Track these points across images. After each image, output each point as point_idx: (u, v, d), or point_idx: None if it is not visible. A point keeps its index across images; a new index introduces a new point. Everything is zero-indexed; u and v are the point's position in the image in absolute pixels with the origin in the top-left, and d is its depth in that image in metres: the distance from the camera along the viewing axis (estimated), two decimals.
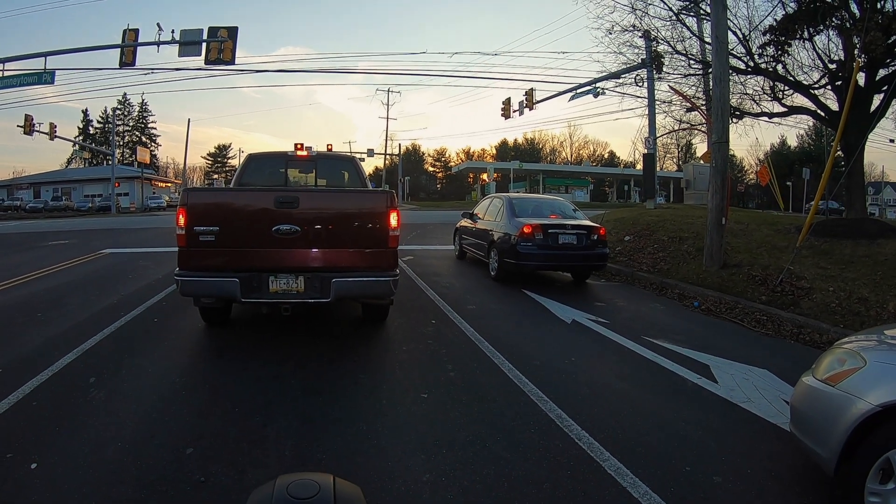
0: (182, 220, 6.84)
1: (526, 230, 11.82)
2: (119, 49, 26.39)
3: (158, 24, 25.70)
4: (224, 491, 3.92)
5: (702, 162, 29.94)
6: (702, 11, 17.34)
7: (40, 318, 9.11)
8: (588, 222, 12.88)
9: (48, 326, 8.49)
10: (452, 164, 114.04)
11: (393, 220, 6.97)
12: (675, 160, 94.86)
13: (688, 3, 17.28)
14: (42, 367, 6.47)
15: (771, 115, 18.36)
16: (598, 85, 29.64)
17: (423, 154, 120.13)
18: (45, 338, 7.85)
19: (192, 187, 8.93)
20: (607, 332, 8.19)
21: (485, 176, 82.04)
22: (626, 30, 19.70)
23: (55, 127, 48.58)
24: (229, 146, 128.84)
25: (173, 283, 11.06)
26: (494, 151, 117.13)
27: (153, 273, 13.81)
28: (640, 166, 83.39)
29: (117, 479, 4.05)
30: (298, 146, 9.81)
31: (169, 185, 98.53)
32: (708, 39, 16.43)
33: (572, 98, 31.88)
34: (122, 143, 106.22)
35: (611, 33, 19.96)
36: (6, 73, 27.37)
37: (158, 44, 25.62)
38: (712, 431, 5.03)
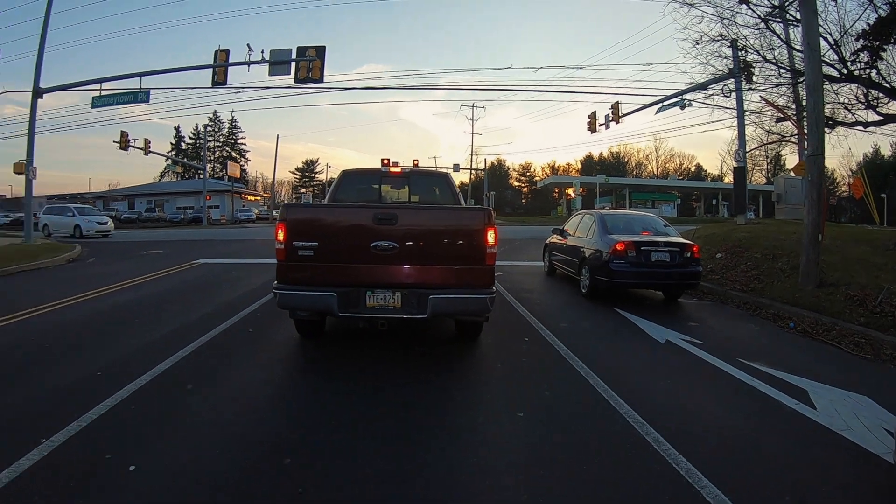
0: (282, 235, 6.97)
1: (619, 247, 11.66)
2: (211, 69, 27.10)
3: (248, 45, 26.29)
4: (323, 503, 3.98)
5: (793, 175, 28.95)
6: (789, 17, 16.78)
7: (137, 324, 9.45)
8: (681, 239, 12.64)
9: (145, 333, 8.79)
10: (537, 178, 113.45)
11: (490, 237, 6.94)
12: (764, 173, 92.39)
13: (775, 8, 16.78)
14: (140, 373, 6.69)
15: (866, 125, 17.59)
16: (684, 97, 29.01)
17: (508, 169, 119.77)
18: (143, 343, 8.13)
19: (291, 203, 9.00)
20: (701, 353, 7.98)
21: (570, 190, 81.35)
22: (714, 39, 19.16)
23: (149, 143, 50.20)
24: (316, 161, 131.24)
25: (266, 294, 11.40)
26: (580, 165, 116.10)
27: (246, 284, 14.15)
28: (728, 179, 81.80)
29: (215, 486, 4.14)
30: (385, 161, 9.91)
31: (258, 198, 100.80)
32: (797, 46, 15.91)
33: (659, 111, 31.21)
34: (212, 158, 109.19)
35: (698, 44, 19.47)
36: (104, 93, 28.34)
37: (249, 63, 26.15)
38: (812, 460, 4.83)
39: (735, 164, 29.44)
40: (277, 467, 4.41)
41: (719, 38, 19.05)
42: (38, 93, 27.86)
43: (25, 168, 27.87)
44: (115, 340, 8.36)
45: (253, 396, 6.09)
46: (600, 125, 35.64)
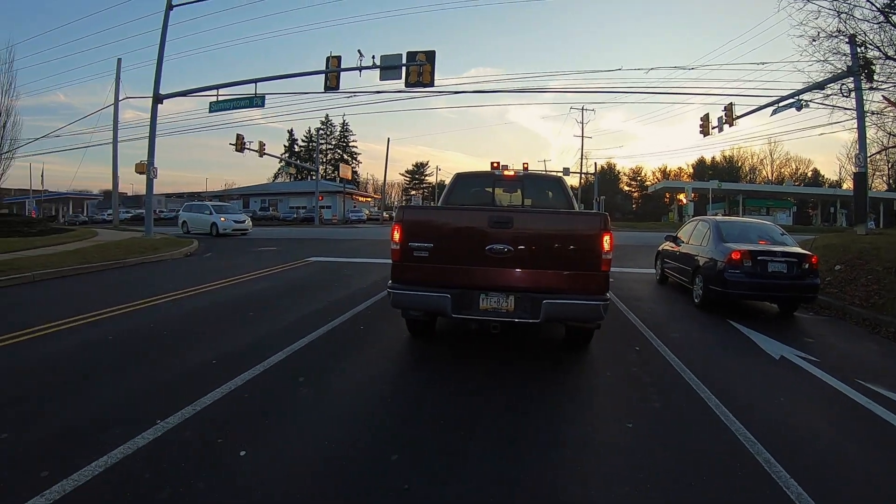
0: (397, 236, 7.04)
1: (734, 256, 11.30)
2: (323, 74, 27.70)
3: (359, 51, 26.65)
4: (428, 501, 3.97)
5: None
6: None
7: (252, 317, 9.78)
8: (799, 249, 12.11)
9: (259, 325, 9.09)
10: (648, 183, 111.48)
11: (606, 242, 6.83)
12: (885, 179, 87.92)
13: (893, 1, 15.92)
14: (253, 363, 6.91)
15: None
16: (801, 97, 27.77)
17: (619, 173, 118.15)
18: (256, 336, 8.41)
19: (408, 205, 9.14)
20: (818, 372, 7.58)
21: (682, 196, 79.46)
22: (832, 35, 18.22)
23: (264, 145, 51.94)
24: (426, 164, 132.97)
25: (376, 292, 11.56)
26: (691, 170, 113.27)
27: (357, 282, 14.37)
28: (846, 185, 78.42)
29: (322, 476, 4.22)
30: (495, 164, 9.91)
31: (368, 199, 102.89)
32: None
33: (774, 112, 29.89)
34: (325, 160, 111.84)
35: (814, 41, 18.55)
36: (220, 98, 29.38)
37: (360, 69, 26.54)
38: None
39: (855, 170, 28.02)
40: (384, 463, 4.44)
41: (836, 33, 18.09)
42: (158, 99, 29.44)
43: (147, 168, 29.48)
44: (229, 332, 8.68)
45: (362, 392, 6.18)
46: (713, 128, 34.50)
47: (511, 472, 4.38)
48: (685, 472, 4.52)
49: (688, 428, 5.49)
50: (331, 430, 5.06)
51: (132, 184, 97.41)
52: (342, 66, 27.32)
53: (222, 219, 35.27)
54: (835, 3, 16.76)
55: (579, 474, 4.44)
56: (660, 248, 16.59)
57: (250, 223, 38.64)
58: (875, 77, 19.91)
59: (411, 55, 25.97)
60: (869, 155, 26.71)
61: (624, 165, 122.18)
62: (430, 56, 26.04)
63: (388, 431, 5.13)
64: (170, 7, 29.42)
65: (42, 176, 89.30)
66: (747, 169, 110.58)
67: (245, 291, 12.75)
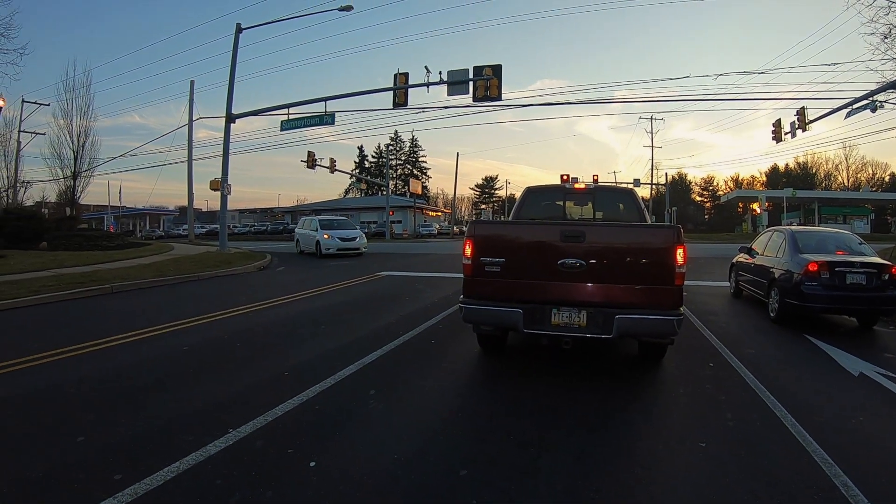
0: (469, 251, 7.04)
1: (811, 268, 10.91)
2: (391, 91, 28.00)
3: (426, 67, 26.88)
4: None
5: None
6: None
7: (324, 330, 9.89)
8: (878, 259, 11.58)
9: (331, 339, 9.18)
10: (720, 192, 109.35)
11: (680, 256, 6.68)
12: None
13: None
14: (325, 375, 6.99)
15: None
16: (875, 98, 26.75)
17: (690, 183, 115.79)
18: (328, 349, 8.50)
19: (479, 220, 9.15)
20: None
21: (755, 205, 77.69)
22: None
23: (334, 161, 52.98)
24: (495, 178, 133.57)
25: (448, 307, 11.54)
26: (765, 178, 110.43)
27: (428, 296, 14.38)
28: None
29: (390, 489, 4.20)
30: (565, 178, 9.89)
31: (438, 213, 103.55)
32: None
33: (848, 115, 28.80)
34: (394, 176, 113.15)
35: (886, 38, 17.81)
36: (292, 116, 29.98)
37: (428, 85, 26.73)
38: None
39: None
40: (453, 478, 4.42)
41: None
42: (230, 118, 30.25)
43: (220, 185, 30.25)
44: (301, 345, 8.80)
45: (433, 406, 6.18)
46: (786, 133, 33.37)
47: (582, 490, 4.31)
48: (759, 493, 4.36)
49: (763, 448, 5.30)
50: (400, 444, 5.06)
51: (206, 200, 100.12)
52: (410, 83, 27.64)
53: (325, 235, 29.48)
54: None
55: (651, 493, 4.34)
56: (734, 261, 16.18)
57: (364, 240, 31.64)
58: None
59: (478, 70, 26.09)
60: None
61: (695, 175, 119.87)
62: (497, 70, 26.11)
63: (458, 446, 5.11)
64: (239, 30, 30.26)
65: (120, 192, 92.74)
66: (822, 175, 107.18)
67: (316, 305, 12.91)
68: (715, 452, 5.15)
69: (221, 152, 30.65)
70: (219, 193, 30.86)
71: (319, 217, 34.91)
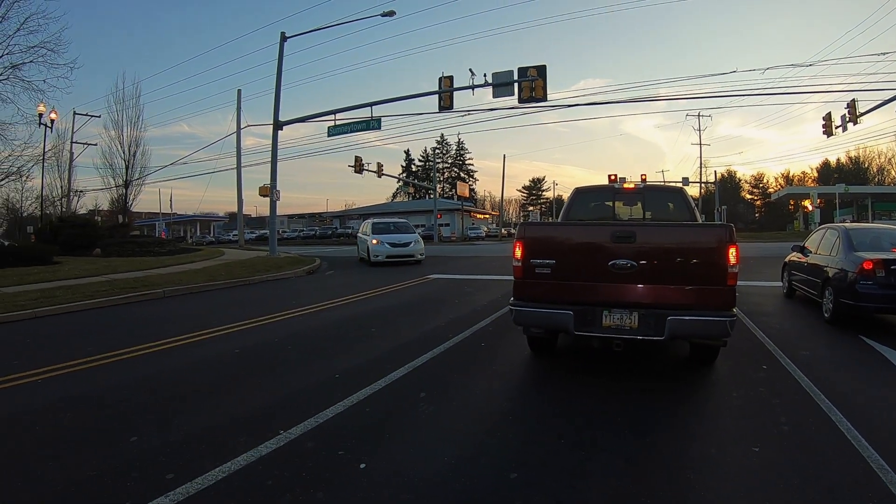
0: (519, 253, 7.02)
1: (866, 266, 10.57)
2: (437, 95, 28.09)
3: (471, 70, 26.89)
4: None
5: None
6: None
7: (374, 333, 9.97)
8: None
9: (381, 341, 9.24)
10: (771, 190, 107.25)
11: (732, 255, 6.57)
12: None
13: None
14: (375, 378, 7.00)
15: None
16: None
17: (739, 181, 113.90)
18: (379, 352, 8.54)
19: (529, 221, 9.15)
20: None
21: (807, 202, 76.19)
22: None
23: (381, 166, 53.19)
24: (542, 179, 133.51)
25: (497, 309, 11.55)
26: (815, 174, 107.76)
27: (478, 299, 14.34)
28: None
29: (441, 491, 4.19)
30: (612, 178, 9.84)
31: (486, 216, 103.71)
32: None
33: None
34: (441, 179, 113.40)
35: None
36: (338, 122, 30.25)
37: (473, 87, 26.75)
38: None
39: None
40: (503, 480, 4.40)
41: None
42: (277, 125, 30.70)
43: (270, 191, 30.69)
44: (351, 347, 8.87)
45: (483, 408, 6.16)
46: (836, 127, 32.44)
47: (632, 493, 4.26)
48: (814, 499, 4.26)
49: (817, 453, 5.18)
50: (450, 446, 5.06)
51: (256, 206, 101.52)
52: (454, 86, 27.72)
53: (374, 241, 26.48)
54: None
55: (704, 497, 4.28)
56: (786, 260, 15.85)
57: (420, 246, 27.66)
58: None
59: (522, 71, 26.07)
60: None
61: (744, 173, 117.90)
62: (542, 71, 26.06)
63: (509, 449, 5.09)
64: (284, 39, 30.68)
65: (171, 200, 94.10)
66: (875, 170, 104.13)
67: (365, 309, 13.00)
68: (769, 457, 5.04)
69: (270, 159, 31.14)
70: (268, 199, 31.30)
71: (374, 220, 31.31)
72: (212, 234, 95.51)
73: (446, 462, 4.68)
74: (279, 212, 35.92)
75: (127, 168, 40.47)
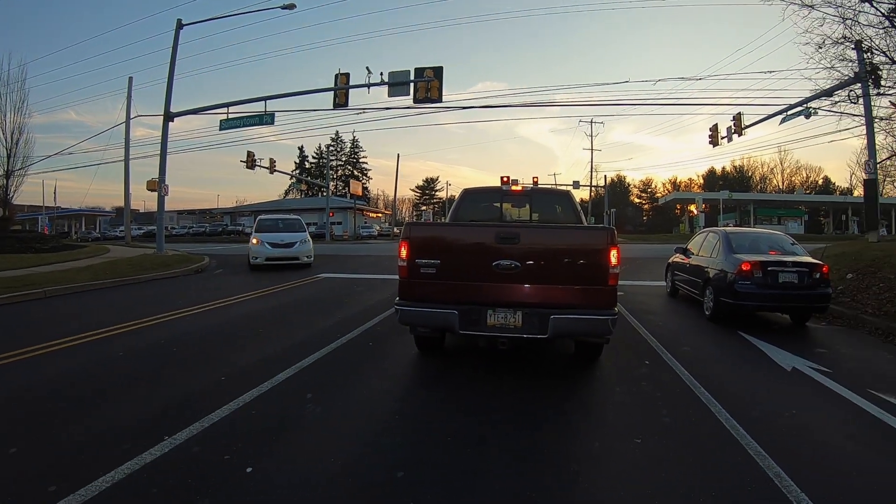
0: (405, 253, 7.06)
1: (744, 268, 11.25)
2: (332, 91, 27.85)
3: (368, 68, 26.80)
4: None
5: None
6: None
7: (262, 333, 9.81)
8: (809, 259, 12.05)
9: (268, 343, 9.09)
10: (659, 194, 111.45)
11: (613, 257, 6.82)
12: None
13: None
14: (262, 380, 6.91)
15: None
16: (809, 105, 27.64)
17: (629, 185, 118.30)
18: (266, 353, 8.40)
19: (414, 221, 9.17)
20: (830, 384, 7.49)
21: (693, 207, 79.30)
22: (837, 42, 18.03)
23: (274, 162, 52.31)
24: (436, 179, 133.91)
25: (387, 308, 11.57)
26: (702, 181, 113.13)
27: (368, 298, 14.43)
28: (857, 193, 78.43)
29: (327, 493, 4.19)
30: (505, 179, 9.94)
31: (379, 215, 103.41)
32: None
33: (783, 121, 29.83)
34: (335, 177, 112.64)
35: (820, 48, 18.35)
36: (231, 116, 29.62)
37: (369, 86, 26.67)
38: None
39: (865, 176, 27.90)
40: (391, 480, 4.42)
41: (842, 40, 17.88)
42: (168, 116, 29.72)
43: (158, 185, 29.71)
44: (238, 349, 8.71)
45: (370, 409, 6.17)
46: (722, 138, 34.39)
47: (521, 489, 4.35)
48: (695, 486, 4.47)
49: (698, 442, 5.44)
50: (338, 448, 5.05)
51: (144, 200, 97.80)
52: (351, 83, 27.53)
53: (254, 241, 23.15)
54: (839, 9, 16.65)
55: (589, 489, 4.41)
56: (670, 261, 16.56)
57: (308, 247, 24.29)
58: (882, 83, 19.66)
59: (419, 71, 26.15)
60: (879, 161, 26.52)
61: (634, 178, 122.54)
62: (438, 72, 26.22)
63: (397, 448, 5.11)
64: (180, 26, 29.70)
65: (55, 192, 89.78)
66: (758, 178, 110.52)
67: (254, 308, 12.80)
68: (651, 448, 5.26)
69: (159, 151, 30.07)
70: (156, 194, 30.30)
71: (262, 216, 27.83)
72: (98, 230, 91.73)
73: (334, 463, 4.68)
74: (168, 207, 34.93)
75: (9, 157, 38.11)
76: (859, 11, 16.54)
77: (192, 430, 5.27)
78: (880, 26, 16.38)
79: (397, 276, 7.18)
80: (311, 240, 25.06)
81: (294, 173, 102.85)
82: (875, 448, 5.48)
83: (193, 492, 4.11)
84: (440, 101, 26.85)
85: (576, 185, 72.55)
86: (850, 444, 5.53)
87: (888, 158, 28.19)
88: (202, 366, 7.71)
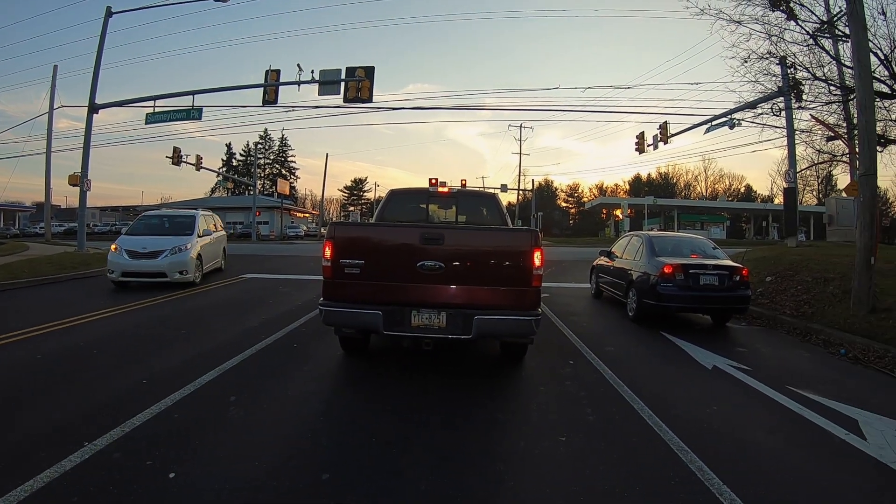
0: (329, 253, 7.03)
1: (667, 270, 11.53)
2: (262, 88, 27.48)
3: (299, 65, 26.52)
4: None
5: (844, 195, 28.47)
6: (838, 33, 16.32)
7: (184, 335, 9.65)
8: (730, 262, 12.45)
9: (191, 344, 8.95)
10: (585, 199, 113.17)
11: (537, 258, 6.90)
12: (815, 193, 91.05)
13: (823, 24, 16.39)
14: (184, 382, 6.80)
15: None
16: (733, 116, 28.56)
17: (556, 189, 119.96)
18: (189, 355, 8.27)
19: (339, 221, 9.04)
20: (749, 380, 7.79)
21: (618, 212, 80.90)
22: (762, 57, 18.67)
23: (201, 159, 51.54)
24: (364, 180, 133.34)
25: (312, 309, 11.45)
26: (628, 186, 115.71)
27: (293, 299, 14.29)
28: (778, 200, 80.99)
29: (252, 497, 4.15)
30: (433, 181, 9.95)
31: (306, 215, 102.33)
32: (847, 63, 15.60)
33: (708, 130, 30.82)
34: (262, 175, 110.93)
35: (746, 62, 18.99)
36: (157, 110, 28.93)
37: (299, 83, 26.42)
38: (860, 493, 4.67)
39: (785, 185, 28.99)
40: (315, 482, 4.41)
41: (767, 55, 18.55)
42: (93, 108, 28.70)
43: (80, 180, 28.67)
44: (160, 351, 8.52)
45: (295, 411, 6.12)
46: (648, 145, 35.30)
47: (446, 489, 4.38)
48: (618, 482, 4.58)
49: (621, 439, 5.57)
50: (261, 451, 4.99)
51: (66, 196, 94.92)
52: (281, 80, 27.16)
53: (113, 247, 17.08)
54: (766, 26, 17.22)
55: (513, 489, 4.46)
56: (594, 263, 16.85)
57: (186, 258, 16.92)
58: (804, 97, 20.41)
59: (350, 70, 25.98)
60: (799, 171, 27.62)
61: (561, 182, 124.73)
62: (370, 72, 26.11)
63: (322, 450, 5.09)
64: (109, 14, 28.69)
65: None
66: (682, 185, 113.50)
67: (179, 308, 12.57)
68: (576, 446, 5.37)
69: (82, 144, 29.00)
70: (78, 189, 29.32)
71: (146, 213, 21.70)
72: (17, 226, 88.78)
73: (258, 467, 4.63)
74: (91, 203, 34.06)
75: None
76: (785, 29, 17.15)
77: (113, 436, 5.14)
78: (804, 43, 16.98)
79: (322, 277, 7.15)
80: (197, 246, 17.90)
81: (221, 171, 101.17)
82: (794, 441, 5.75)
83: (116, 499, 4.03)
84: (371, 101, 26.74)
85: (503, 188, 73.16)
86: (769, 439, 5.77)
87: (808, 168, 29.32)
88: (123, 369, 7.52)
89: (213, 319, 11.23)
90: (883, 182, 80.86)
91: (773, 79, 21.00)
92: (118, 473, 4.41)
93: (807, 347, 10.40)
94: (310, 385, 7.10)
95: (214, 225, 21.03)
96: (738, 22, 17.31)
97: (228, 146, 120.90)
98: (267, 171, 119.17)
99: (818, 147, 23.55)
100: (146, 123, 29.28)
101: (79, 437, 5.06)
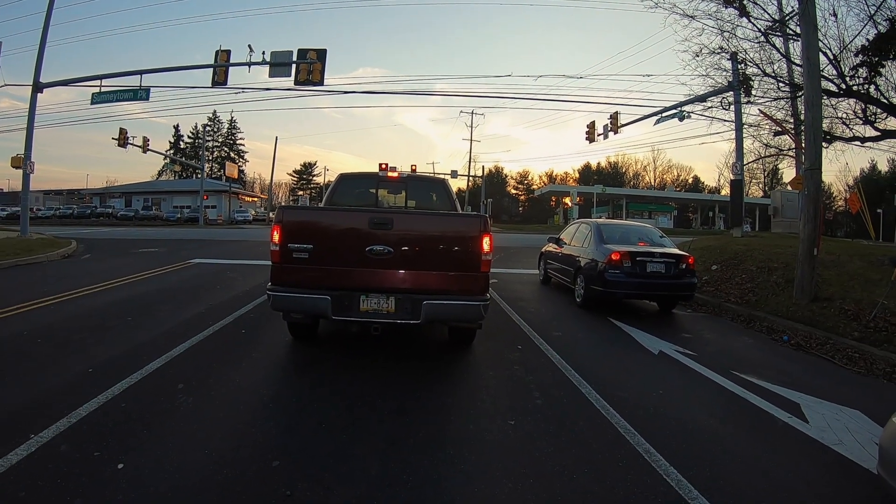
0: (277, 237, 6.97)
1: (614, 257, 11.67)
2: (211, 69, 27.15)
3: (250, 46, 26.27)
4: None
5: (789, 188, 29.16)
6: (790, 31, 16.69)
7: (130, 322, 9.46)
8: (676, 251, 12.68)
9: (138, 331, 8.79)
10: (535, 186, 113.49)
11: (486, 244, 6.95)
12: (761, 186, 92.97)
13: (775, 22, 16.72)
14: (131, 371, 6.69)
15: (863, 140, 17.60)
16: (683, 108, 28.99)
17: (506, 176, 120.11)
18: (135, 342, 8.12)
19: (287, 205, 8.99)
20: (695, 365, 7.99)
21: (567, 199, 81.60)
22: (714, 52, 18.99)
23: (148, 141, 50.51)
24: (314, 164, 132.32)
25: (261, 295, 11.45)
26: (577, 175, 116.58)
27: (240, 285, 14.14)
28: (725, 192, 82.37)
29: (202, 486, 4.13)
30: (383, 166, 9.94)
31: (255, 199, 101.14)
32: (797, 61, 15.92)
33: (658, 122, 31.33)
34: (211, 158, 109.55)
35: (698, 56, 19.33)
36: (104, 90, 28.32)
37: (250, 64, 26.17)
38: (801, 474, 4.83)
39: (732, 177, 29.60)
40: (266, 469, 4.40)
41: (719, 50, 18.95)
42: (38, 87, 27.90)
43: (23, 162, 27.77)
44: (106, 338, 8.35)
45: (244, 398, 6.08)
46: (599, 135, 35.75)
47: (396, 474, 4.42)
48: (567, 465, 4.67)
49: (569, 423, 5.67)
50: (211, 439, 4.97)
51: (8, 179, 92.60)
52: (231, 61, 26.86)
53: None
54: (719, 21, 17.55)
55: (463, 472, 4.51)
56: (543, 250, 16.98)
57: None
58: (753, 92, 20.85)
59: (302, 53, 25.79)
60: (745, 163, 28.23)
61: (511, 169, 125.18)
62: (322, 54, 25.94)
63: (271, 438, 5.07)
64: None
65: None
66: (631, 175, 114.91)
67: (124, 295, 12.29)
68: (524, 429, 5.46)
69: (26, 125, 28.18)
70: (21, 172, 28.57)
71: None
72: None
73: (207, 455, 4.62)
74: (34, 187, 33.12)
75: None
76: (737, 25, 17.57)
77: (59, 427, 5.05)
78: (756, 41, 17.33)
79: (270, 262, 7.10)
80: None
81: (168, 153, 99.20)
82: (738, 424, 5.95)
83: (64, 491, 3.96)
84: (322, 84, 26.63)
85: (454, 174, 73.13)
86: (714, 421, 5.96)
87: (754, 161, 29.93)
88: (68, 357, 7.36)
89: (160, 306, 11.01)
90: (827, 177, 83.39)
91: (724, 73, 21.56)
92: (66, 466, 4.34)
93: (751, 334, 10.67)
94: (258, 372, 7.05)
95: None
96: (691, 17, 17.64)
97: (176, 128, 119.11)
98: (215, 153, 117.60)
99: (765, 141, 24.08)
100: (92, 104, 28.65)
101: (24, 429, 4.95)
